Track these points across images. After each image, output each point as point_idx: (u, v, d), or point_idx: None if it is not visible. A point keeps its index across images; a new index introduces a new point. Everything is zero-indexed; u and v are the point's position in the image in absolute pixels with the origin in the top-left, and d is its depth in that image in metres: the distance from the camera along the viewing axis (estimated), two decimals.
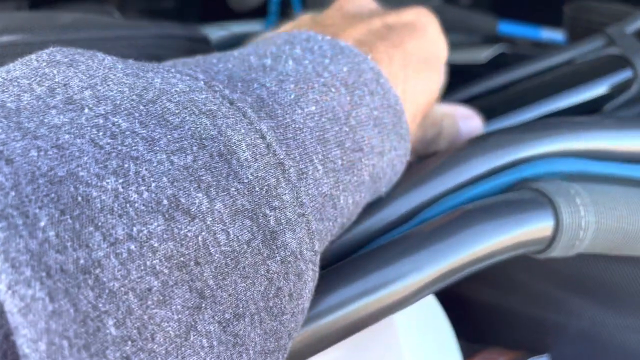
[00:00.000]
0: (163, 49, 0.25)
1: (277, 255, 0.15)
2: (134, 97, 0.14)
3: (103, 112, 0.14)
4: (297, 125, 0.17)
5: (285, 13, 0.57)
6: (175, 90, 0.15)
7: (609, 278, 0.30)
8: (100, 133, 0.13)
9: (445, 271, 0.18)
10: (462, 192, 0.20)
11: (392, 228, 0.20)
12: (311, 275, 0.16)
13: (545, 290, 0.31)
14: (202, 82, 0.16)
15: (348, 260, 0.18)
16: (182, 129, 0.14)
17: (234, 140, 0.15)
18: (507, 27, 0.54)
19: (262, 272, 0.14)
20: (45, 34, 0.27)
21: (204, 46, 0.28)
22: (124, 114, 0.14)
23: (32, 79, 0.14)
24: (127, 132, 0.13)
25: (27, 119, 0.13)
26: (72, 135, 0.13)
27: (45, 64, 0.15)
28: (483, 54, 0.51)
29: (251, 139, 0.15)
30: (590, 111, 0.30)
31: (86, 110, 0.14)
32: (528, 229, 0.19)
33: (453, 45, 0.58)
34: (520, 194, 0.20)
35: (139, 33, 0.26)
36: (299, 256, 0.15)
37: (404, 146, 0.20)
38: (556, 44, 0.56)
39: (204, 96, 0.15)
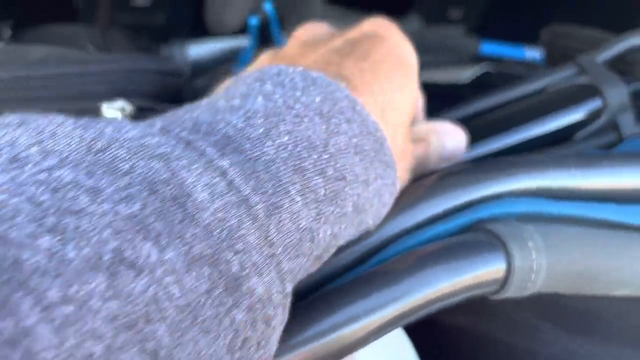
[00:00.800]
0: (134, 84, 0.26)
1: (243, 303, 0.14)
2: (82, 147, 0.14)
3: (47, 167, 0.13)
4: (267, 157, 0.16)
5: (264, 35, 0.57)
6: (126, 137, 0.14)
7: (583, 306, 0.30)
8: (41, 189, 0.12)
9: (398, 314, 0.18)
10: (418, 233, 0.20)
11: (345, 271, 0.20)
12: (280, 320, 0.15)
13: (519, 317, 0.31)
14: (157, 128, 0.15)
15: (299, 304, 0.18)
16: (131, 175, 0.13)
17: (188, 182, 0.14)
18: (490, 48, 0.54)
19: (227, 324, 0.13)
20: (16, 69, 0.28)
21: (175, 80, 0.28)
22: (70, 165, 0.13)
23: None
24: (70, 185, 0.13)
25: None
26: (9, 195, 0.12)
27: None
28: (466, 74, 0.52)
29: (208, 178, 0.14)
30: (561, 139, 0.30)
31: (29, 167, 0.13)
32: (480, 272, 0.19)
33: (437, 65, 0.58)
34: (473, 236, 0.20)
35: (110, 68, 0.26)
36: (266, 302, 0.15)
37: (390, 174, 0.19)
38: (540, 63, 0.57)
39: (156, 140, 0.15)
